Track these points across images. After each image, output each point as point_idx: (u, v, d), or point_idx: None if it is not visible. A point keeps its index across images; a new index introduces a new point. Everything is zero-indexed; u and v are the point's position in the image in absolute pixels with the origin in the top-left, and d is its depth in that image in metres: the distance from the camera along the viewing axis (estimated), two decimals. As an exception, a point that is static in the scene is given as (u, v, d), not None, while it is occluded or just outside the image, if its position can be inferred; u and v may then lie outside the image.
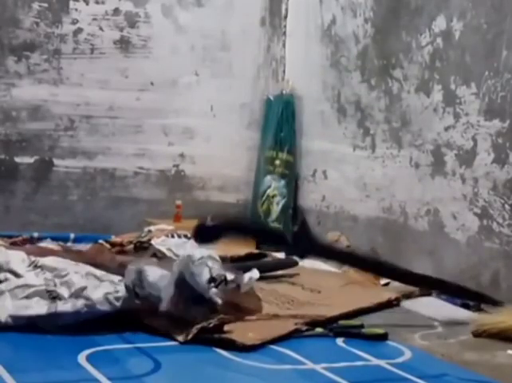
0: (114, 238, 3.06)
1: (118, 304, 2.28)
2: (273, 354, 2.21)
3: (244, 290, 2.42)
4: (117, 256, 2.74)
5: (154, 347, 2.19)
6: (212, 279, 2.30)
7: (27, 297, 2.29)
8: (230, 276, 2.37)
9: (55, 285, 2.33)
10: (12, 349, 2.12)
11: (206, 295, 2.28)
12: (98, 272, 2.40)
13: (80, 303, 2.26)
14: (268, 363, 2.13)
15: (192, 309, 2.27)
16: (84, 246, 3.16)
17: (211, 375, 2.06)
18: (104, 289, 2.31)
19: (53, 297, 2.28)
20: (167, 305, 2.25)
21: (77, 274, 2.37)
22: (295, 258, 3.19)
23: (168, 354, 2.14)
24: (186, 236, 2.79)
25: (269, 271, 2.70)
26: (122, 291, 2.30)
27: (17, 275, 2.39)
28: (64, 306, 2.25)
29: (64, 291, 2.30)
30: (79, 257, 2.58)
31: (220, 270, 2.38)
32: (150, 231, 2.98)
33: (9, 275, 2.40)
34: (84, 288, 2.30)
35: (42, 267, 2.42)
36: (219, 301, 2.30)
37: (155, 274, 2.32)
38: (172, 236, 2.85)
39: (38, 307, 2.25)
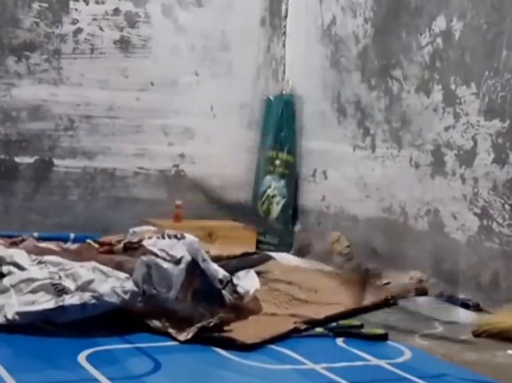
0: (103, 238, 3.04)
1: (126, 297, 2.27)
2: (273, 354, 2.21)
3: (247, 300, 2.44)
4: (114, 257, 2.72)
5: (154, 347, 2.19)
6: (219, 281, 2.31)
7: (32, 291, 2.27)
8: (235, 279, 2.38)
9: (60, 278, 2.30)
10: (12, 350, 2.12)
11: (217, 285, 2.28)
12: (105, 268, 2.38)
13: (87, 295, 2.24)
14: (268, 363, 2.13)
15: (200, 306, 2.27)
16: (74, 246, 3.15)
17: (211, 375, 2.06)
18: (110, 283, 2.29)
19: (59, 290, 2.25)
20: (177, 292, 2.25)
21: (83, 267, 2.35)
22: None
23: (168, 354, 2.15)
24: (176, 236, 2.77)
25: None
26: (129, 286, 2.29)
27: (20, 268, 2.37)
28: (71, 300, 2.22)
29: (70, 284, 2.28)
30: (77, 257, 2.56)
31: (224, 271, 2.38)
32: (135, 232, 2.95)
33: (12, 268, 2.38)
34: (91, 281, 2.28)
35: (46, 263, 2.40)
36: (229, 298, 2.30)
37: (168, 263, 2.32)
38: (163, 237, 2.83)
39: (45, 302, 2.23)
